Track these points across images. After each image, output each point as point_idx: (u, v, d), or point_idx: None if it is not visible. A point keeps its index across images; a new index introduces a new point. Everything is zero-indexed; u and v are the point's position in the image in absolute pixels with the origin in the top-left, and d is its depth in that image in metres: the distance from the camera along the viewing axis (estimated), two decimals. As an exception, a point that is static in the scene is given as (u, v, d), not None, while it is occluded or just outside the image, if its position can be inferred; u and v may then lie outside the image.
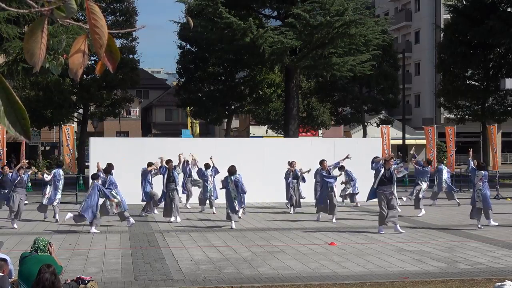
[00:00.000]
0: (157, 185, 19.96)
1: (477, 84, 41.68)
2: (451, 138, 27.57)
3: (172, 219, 18.14)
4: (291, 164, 20.87)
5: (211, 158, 21.18)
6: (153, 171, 19.64)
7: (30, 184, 27.69)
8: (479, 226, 16.58)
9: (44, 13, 1.78)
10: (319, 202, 18.85)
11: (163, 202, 18.93)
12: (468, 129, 48.17)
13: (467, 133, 51.96)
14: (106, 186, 16.95)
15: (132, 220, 16.92)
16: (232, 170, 17.07)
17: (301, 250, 13.48)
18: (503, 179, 34.18)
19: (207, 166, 21.04)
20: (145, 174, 19.76)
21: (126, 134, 62.40)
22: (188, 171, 21.69)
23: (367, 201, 17.49)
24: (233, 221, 16.95)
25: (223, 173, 18.33)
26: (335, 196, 18.55)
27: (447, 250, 13.40)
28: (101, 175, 17.71)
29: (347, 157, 19.08)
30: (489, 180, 33.27)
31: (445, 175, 23.36)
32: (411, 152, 23.35)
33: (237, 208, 17.14)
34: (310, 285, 10.19)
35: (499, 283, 8.29)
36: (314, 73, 38.64)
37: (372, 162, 16.51)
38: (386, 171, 15.80)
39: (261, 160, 24.33)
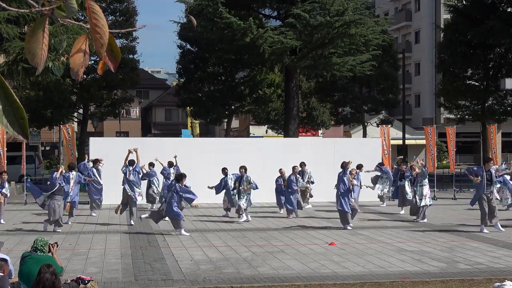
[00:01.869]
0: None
1: (477, 84, 41.66)
2: (451, 138, 27.56)
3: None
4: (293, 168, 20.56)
5: (175, 157, 21.56)
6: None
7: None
8: None
9: (45, 12, 1.78)
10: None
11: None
12: (468, 129, 48.16)
13: (467, 133, 51.94)
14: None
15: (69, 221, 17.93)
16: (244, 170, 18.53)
17: (301, 250, 13.47)
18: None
19: (170, 164, 21.42)
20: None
21: (126, 134, 62.35)
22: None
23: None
24: (243, 215, 18.17)
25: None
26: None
27: (447, 250, 13.40)
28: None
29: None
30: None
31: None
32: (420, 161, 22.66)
33: (244, 206, 18.10)
34: (310, 285, 10.19)
35: (499, 283, 8.29)
36: (314, 73, 38.64)
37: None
38: (486, 173, 16.12)
39: (261, 160, 24.33)
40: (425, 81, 59.15)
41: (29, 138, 1.93)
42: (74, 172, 19.15)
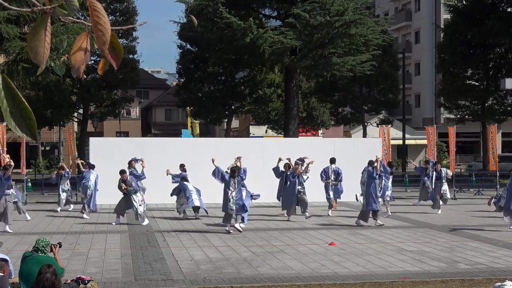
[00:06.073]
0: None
1: (477, 84, 41.69)
2: (453, 138, 27.62)
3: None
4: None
5: (82, 163, 21.18)
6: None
7: (30, 184, 27.69)
8: None
9: (47, 11, 1.78)
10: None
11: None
12: (468, 129, 48.19)
13: (467, 133, 51.97)
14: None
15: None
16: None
17: (301, 250, 13.47)
18: (503, 179, 34.13)
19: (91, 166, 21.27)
20: None
21: (126, 134, 62.33)
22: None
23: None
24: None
25: None
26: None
27: (447, 250, 13.40)
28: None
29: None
30: (488, 180, 33.41)
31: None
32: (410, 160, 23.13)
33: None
34: (310, 285, 10.19)
35: (499, 283, 8.27)
36: (314, 73, 38.63)
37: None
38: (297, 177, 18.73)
39: (261, 160, 24.31)
40: (425, 81, 59.16)
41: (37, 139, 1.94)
42: (93, 171, 19.68)
